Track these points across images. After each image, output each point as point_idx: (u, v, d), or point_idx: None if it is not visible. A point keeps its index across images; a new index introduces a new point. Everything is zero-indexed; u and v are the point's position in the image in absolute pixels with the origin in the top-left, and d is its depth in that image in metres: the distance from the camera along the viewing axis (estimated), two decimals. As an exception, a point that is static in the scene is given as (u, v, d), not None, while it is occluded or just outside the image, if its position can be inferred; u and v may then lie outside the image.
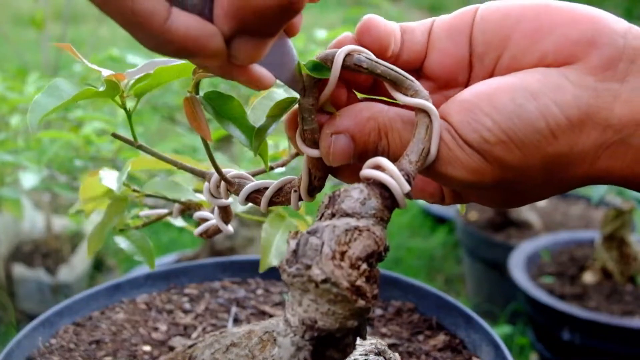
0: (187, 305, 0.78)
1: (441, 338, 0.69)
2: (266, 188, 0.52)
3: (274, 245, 0.69)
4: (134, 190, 0.63)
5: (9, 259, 1.92)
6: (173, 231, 2.41)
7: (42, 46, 2.09)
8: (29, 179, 1.23)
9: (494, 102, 0.41)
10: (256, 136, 0.47)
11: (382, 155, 0.45)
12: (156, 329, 0.73)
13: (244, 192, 0.52)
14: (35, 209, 2.03)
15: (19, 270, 1.88)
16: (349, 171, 0.49)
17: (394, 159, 0.44)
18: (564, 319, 1.49)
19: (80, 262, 1.94)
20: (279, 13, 0.38)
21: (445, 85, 0.47)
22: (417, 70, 0.48)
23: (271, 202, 0.52)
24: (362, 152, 0.45)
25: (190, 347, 0.64)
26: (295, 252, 0.41)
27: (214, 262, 0.85)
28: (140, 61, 1.42)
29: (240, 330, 0.63)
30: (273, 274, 0.83)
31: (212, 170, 0.54)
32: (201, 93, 0.49)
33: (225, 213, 0.58)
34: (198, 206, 0.63)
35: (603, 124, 0.41)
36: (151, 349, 0.69)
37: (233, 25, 0.38)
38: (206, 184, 0.56)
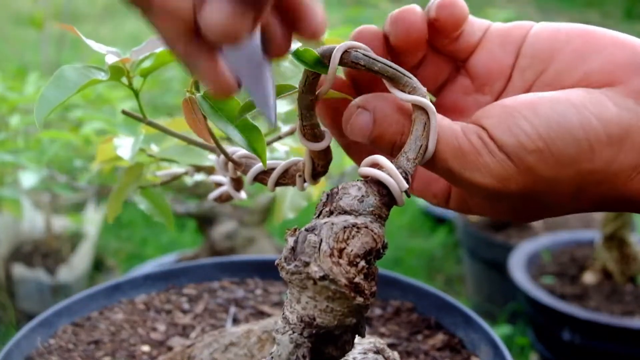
0: (186, 306, 0.78)
1: (440, 337, 0.69)
2: (273, 169, 0.52)
3: (288, 197, 0.69)
4: (149, 156, 0.64)
5: (9, 259, 1.92)
6: (173, 231, 2.41)
7: (42, 46, 2.09)
8: (28, 179, 1.23)
9: (535, 109, 0.41)
10: (241, 109, 0.46)
11: (397, 151, 0.44)
12: (155, 329, 0.73)
13: (251, 173, 0.53)
14: (35, 209, 2.03)
15: (19, 270, 1.88)
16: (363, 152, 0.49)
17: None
18: (564, 319, 1.49)
19: (80, 262, 1.94)
20: None
21: (481, 87, 0.48)
22: (460, 63, 0.49)
23: (277, 183, 0.53)
24: (378, 138, 0.44)
25: (189, 347, 0.64)
26: (293, 249, 0.41)
27: (212, 262, 0.85)
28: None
29: (239, 330, 0.63)
30: (272, 273, 0.83)
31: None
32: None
33: (237, 182, 0.59)
34: (212, 169, 0.63)
35: None
36: (150, 349, 0.69)
37: None
38: (216, 158, 0.57)
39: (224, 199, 0.61)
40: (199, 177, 0.68)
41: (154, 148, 0.65)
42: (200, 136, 0.49)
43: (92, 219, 2.04)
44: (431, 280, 2.20)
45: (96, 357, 0.67)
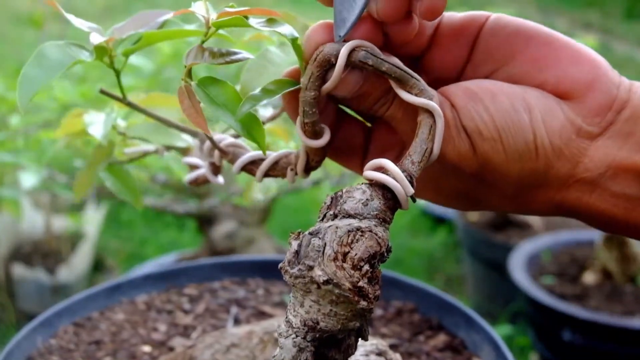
0: (187, 306, 0.77)
1: (442, 338, 0.69)
2: (262, 159, 0.51)
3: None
4: (120, 134, 0.61)
5: (8, 259, 1.91)
6: (173, 231, 2.41)
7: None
8: (28, 179, 1.23)
9: (495, 99, 0.43)
10: (245, 102, 0.45)
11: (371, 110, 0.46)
12: (156, 330, 0.73)
13: (239, 163, 0.52)
14: (35, 209, 2.02)
15: (19, 270, 1.88)
16: (352, 159, 0.51)
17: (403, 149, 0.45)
18: (565, 319, 1.49)
19: (79, 262, 1.94)
20: None
21: (435, 81, 0.48)
22: (416, 60, 0.48)
23: (266, 174, 0.52)
24: (365, 94, 0.45)
25: (190, 347, 0.64)
26: (297, 252, 0.41)
27: (213, 262, 0.85)
28: (138, 60, 1.41)
29: (240, 331, 0.63)
30: (273, 273, 0.83)
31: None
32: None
33: (215, 165, 0.56)
34: (186, 150, 0.61)
35: (575, 159, 0.43)
36: (151, 350, 0.69)
37: None
38: (197, 142, 0.55)
39: (201, 182, 0.58)
40: (169, 154, 0.64)
41: (121, 123, 0.61)
42: (196, 124, 0.47)
43: (92, 219, 2.04)
44: (431, 280, 2.20)
45: (97, 357, 0.67)
